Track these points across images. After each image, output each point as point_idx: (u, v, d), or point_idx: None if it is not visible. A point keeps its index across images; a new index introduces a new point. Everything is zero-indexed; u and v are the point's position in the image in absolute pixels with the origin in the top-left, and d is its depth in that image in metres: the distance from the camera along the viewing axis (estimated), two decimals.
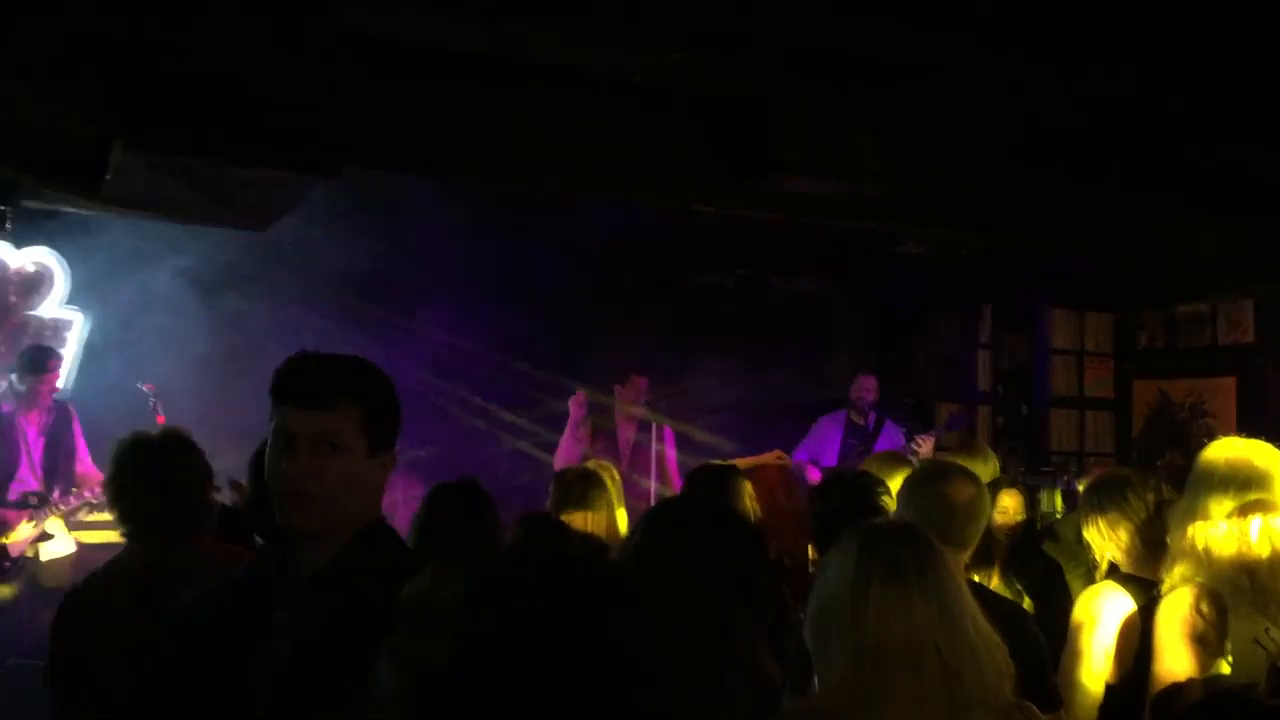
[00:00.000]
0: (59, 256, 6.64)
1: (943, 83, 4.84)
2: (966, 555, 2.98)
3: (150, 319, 6.71)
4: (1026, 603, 3.73)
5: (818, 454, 7.28)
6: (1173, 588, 2.77)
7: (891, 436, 7.32)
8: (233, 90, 3.93)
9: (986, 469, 4.52)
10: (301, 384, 1.94)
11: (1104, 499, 3.22)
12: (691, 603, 1.94)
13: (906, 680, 1.96)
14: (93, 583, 2.97)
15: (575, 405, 6.60)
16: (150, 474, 2.94)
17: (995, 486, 4.18)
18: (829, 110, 5.00)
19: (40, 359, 6.02)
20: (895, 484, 3.64)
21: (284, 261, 6.64)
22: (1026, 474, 6.96)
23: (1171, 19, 4.24)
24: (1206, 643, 2.56)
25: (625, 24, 4.45)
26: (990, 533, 3.45)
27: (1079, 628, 3.07)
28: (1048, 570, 4.17)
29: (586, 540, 3.86)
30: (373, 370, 2.03)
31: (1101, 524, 3.20)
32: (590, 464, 4.91)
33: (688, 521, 2.18)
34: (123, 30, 3.95)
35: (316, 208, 5.34)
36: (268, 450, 1.95)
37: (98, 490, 6.11)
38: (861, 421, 7.44)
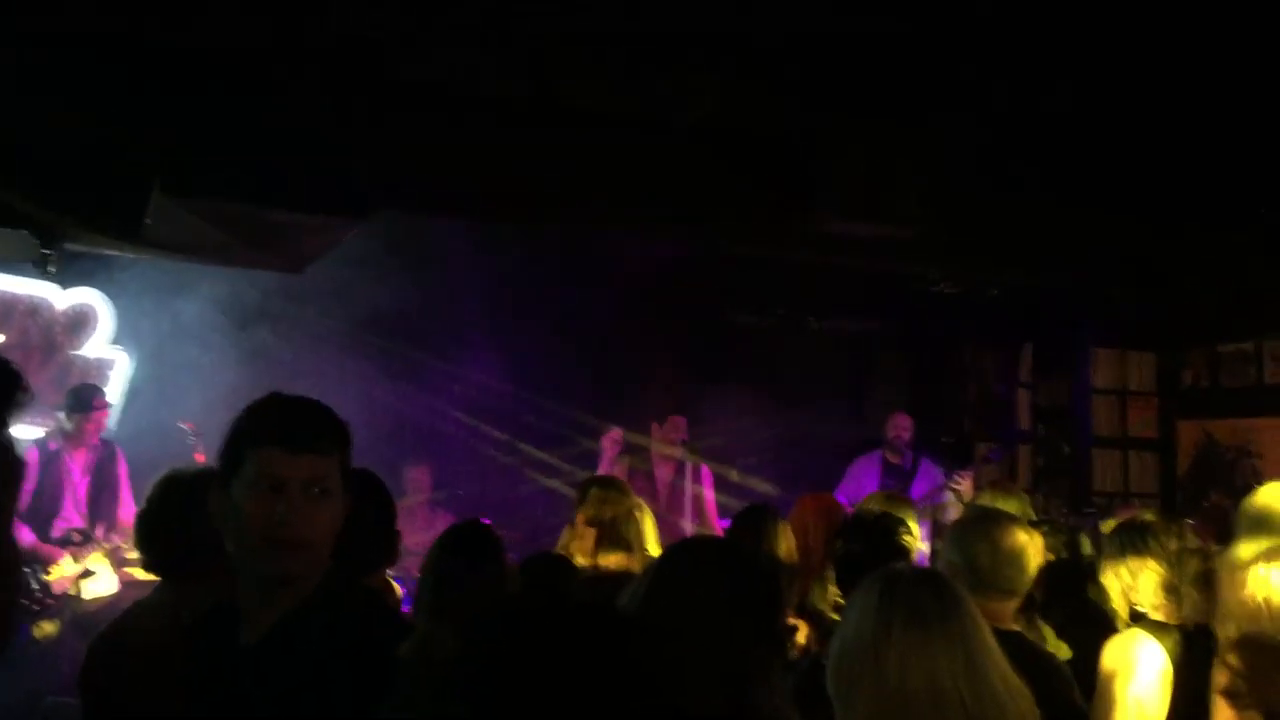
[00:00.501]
0: (104, 297, 6.77)
1: (981, 124, 4.83)
2: (1015, 603, 2.94)
3: (189, 358, 6.82)
4: (1062, 649, 3.65)
5: (855, 495, 7.19)
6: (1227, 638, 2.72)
7: (930, 476, 7.22)
8: (268, 135, 4.00)
9: (1017, 508, 4.46)
10: (293, 427, 1.89)
11: (1125, 544, 3.20)
12: (705, 642, 1.91)
13: None
14: (122, 626, 2.94)
15: (609, 442, 6.57)
16: (183, 510, 2.93)
17: None
18: (870, 152, 5.00)
19: (88, 397, 6.12)
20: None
21: (319, 302, 6.72)
22: (1070, 515, 6.84)
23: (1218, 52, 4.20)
24: (1237, 696, 2.49)
25: (665, 67, 4.49)
26: None
27: (1111, 676, 3.02)
28: (1086, 614, 4.09)
29: (593, 585, 3.84)
30: (338, 415, 2.00)
31: (1123, 570, 3.18)
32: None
33: (700, 561, 2.15)
34: (164, 78, 4.05)
35: (352, 249, 5.40)
36: (241, 494, 1.88)
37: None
38: (898, 461, 7.34)
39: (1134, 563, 3.11)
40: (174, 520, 2.91)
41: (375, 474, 2.96)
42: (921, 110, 4.69)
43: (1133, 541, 3.14)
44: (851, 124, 4.90)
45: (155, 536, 2.94)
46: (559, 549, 4.28)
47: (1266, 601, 2.31)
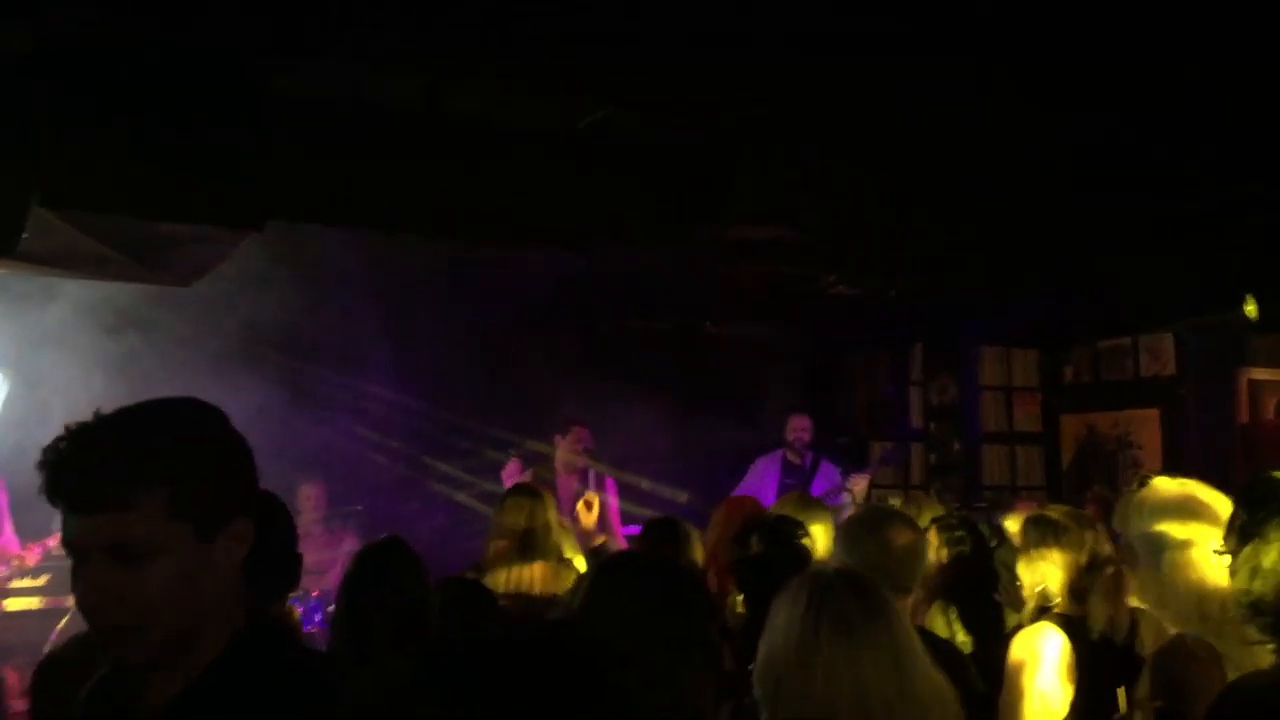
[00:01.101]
0: None
1: (878, 127, 4.91)
2: (910, 599, 3.00)
3: (64, 380, 6.53)
4: (963, 637, 3.73)
5: (756, 495, 7.26)
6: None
7: (828, 476, 7.35)
8: (154, 146, 3.86)
9: (932, 513, 4.57)
10: (76, 480, 1.44)
11: (1043, 536, 3.25)
12: (639, 659, 1.91)
13: None
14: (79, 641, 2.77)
15: (508, 476, 6.49)
16: None
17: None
18: (771, 158, 5.05)
19: None
20: (813, 527, 3.65)
21: (207, 317, 6.52)
22: (961, 509, 7.03)
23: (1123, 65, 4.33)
24: (1161, 712, 2.55)
25: (562, 76, 4.46)
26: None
27: (1019, 667, 3.07)
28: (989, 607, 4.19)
29: (517, 604, 3.81)
30: (185, 421, 1.55)
31: (1038, 561, 3.23)
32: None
33: (629, 577, 2.14)
34: (42, 87, 3.88)
35: (239, 262, 5.24)
36: None
37: (13, 563, 5.94)
38: (798, 461, 7.45)
39: (1045, 555, 3.18)
40: None
41: (276, 496, 2.82)
42: (818, 117, 4.76)
43: (1044, 535, 3.21)
44: (747, 130, 4.94)
45: None
46: (484, 560, 4.24)
47: (1215, 588, 2.35)
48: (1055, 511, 3.38)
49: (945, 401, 8.94)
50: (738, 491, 7.37)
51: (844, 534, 3.08)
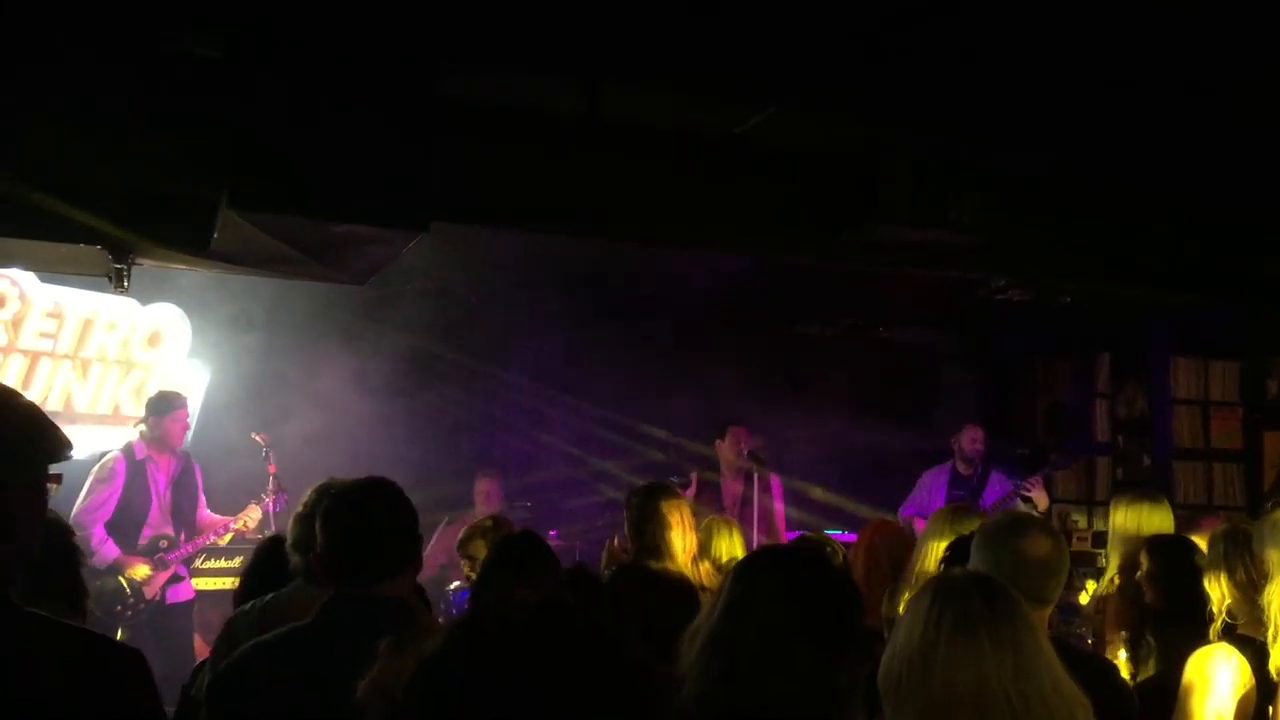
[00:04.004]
0: (181, 313, 6.93)
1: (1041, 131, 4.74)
2: (1046, 611, 2.86)
3: (256, 371, 6.98)
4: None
5: (924, 507, 7.09)
6: None
7: (998, 487, 7.11)
8: (328, 150, 4.07)
9: (1163, 518, 4.40)
10: None
11: (1228, 554, 3.11)
12: (789, 645, 1.92)
13: None
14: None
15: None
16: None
17: None
18: (926, 161, 4.93)
19: (169, 400, 6.30)
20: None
21: (373, 313, 6.83)
22: None
23: None
24: None
25: (722, 82, 4.49)
26: None
27: (1189, 689, 2.95)
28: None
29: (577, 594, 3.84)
30: None
31: (1223, 578, 3.10)
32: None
33: (785, 565, 2.16)
34: (231, 93, 4.14)
35: (407, 262, 5.47)
36: None
37: (210, 537, 6.36)
38: (968, 472, 7.23)
39: (1235, 571, 3.04)
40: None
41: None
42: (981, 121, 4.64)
43: (1236, 551, 3.06)
44: (910, 135, 4.85)
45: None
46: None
47: None
48: (1249, 525, 3.20)
49: (1134, 414, 8.48)
50: (906, 505, 7.25)
51: (979, 539, 2.97)
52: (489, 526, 4.54)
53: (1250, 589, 3.00)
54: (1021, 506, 6.63)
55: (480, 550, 4.47)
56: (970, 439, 7.24)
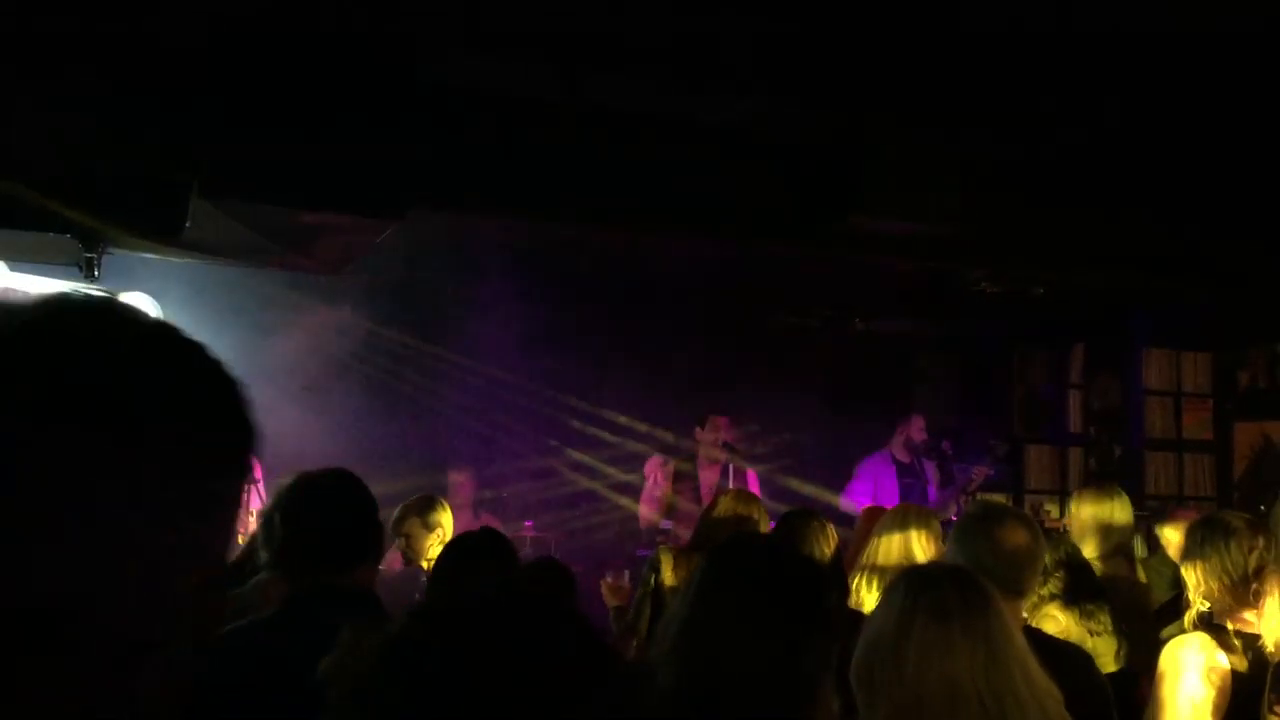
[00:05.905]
0: (153, 301, 6.83)
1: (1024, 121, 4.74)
2: (1024, 602, 2.87)
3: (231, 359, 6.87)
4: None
5: (876, 497, 7.12)
6: None
7: (933, 475, 7.26)
8: (300, 138, 4.03)
9: (1122, 509, 4.39)
10: None
11: (1206, 542, 3.10)
12: (759, 626, 1.92)
13: None
14: None
15: (653, 468, 6.60)
16: None
17: None
18: (907, 151, 4.93)
19: None
20: None
21: (346, 301, 6.78)
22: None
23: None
24: None
25: (702, 70, 4.46)
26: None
27: (1162, 678, 2.96)
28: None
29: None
30: None
31: (1199, 567, 3.08)
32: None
33: (751, 550, 2.18)
34: (203, 82, 4.09)
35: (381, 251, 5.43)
36: None
37: None
38: (908, 461, 7.31)
39: (1209, 559, 3.03)
40: None
41: None
42: (960, 112, 4.62)
43: (1214, 541, 3.05)
44: (887, 124, 4.84)
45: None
46: None
47: None
48: (1228, 515, 3.21)
49: (1107, 405, 8.55)
50: (852, 490, 7.28)
51: (956, 530, 2.98)
52: (416, 502, 4.52)
53: (1227, 577, 3.00)
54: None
55: (415, 528, 4.46)
56: (918, 428, 7.35)
